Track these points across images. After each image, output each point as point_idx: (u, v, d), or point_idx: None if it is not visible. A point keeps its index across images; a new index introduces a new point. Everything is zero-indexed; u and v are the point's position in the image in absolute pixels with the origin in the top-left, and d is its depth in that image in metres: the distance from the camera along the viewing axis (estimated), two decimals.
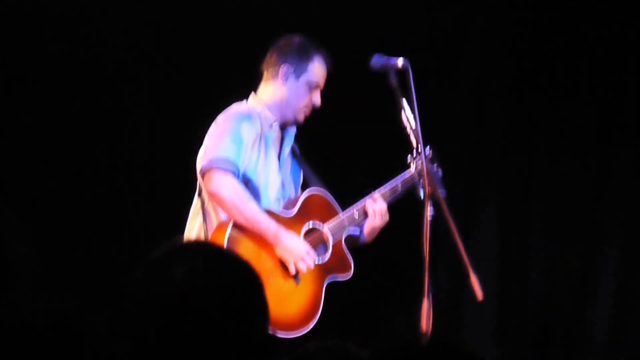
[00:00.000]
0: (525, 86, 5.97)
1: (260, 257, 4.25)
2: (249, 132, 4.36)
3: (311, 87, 4.44)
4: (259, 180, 4.41)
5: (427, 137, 4.17)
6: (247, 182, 4.38)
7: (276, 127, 4.48)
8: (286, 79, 4.45)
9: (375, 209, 4.48)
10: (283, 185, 4.52)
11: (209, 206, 4.38)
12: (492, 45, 5.98)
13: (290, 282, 4.29)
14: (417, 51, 4.73)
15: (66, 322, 1.66)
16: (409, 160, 4.49)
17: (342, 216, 4.50)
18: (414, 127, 4.15)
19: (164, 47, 5.76)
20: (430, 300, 3.92)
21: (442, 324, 4.44)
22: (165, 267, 1.95)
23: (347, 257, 4.48)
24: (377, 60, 4.22)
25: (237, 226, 4.26)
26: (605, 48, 5.91)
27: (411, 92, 4.10)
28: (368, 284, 5.79)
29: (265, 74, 4.50)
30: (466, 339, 5.84)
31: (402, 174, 4.52)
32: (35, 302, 1.54)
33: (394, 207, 4.54)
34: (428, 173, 4.15)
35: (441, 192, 4.07)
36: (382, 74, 4.19)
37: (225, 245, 4.22)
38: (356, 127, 5.81)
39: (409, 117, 4.15)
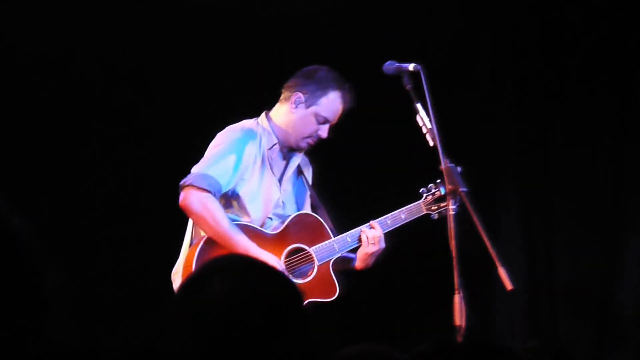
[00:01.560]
0: (539, 81, 6.00)
1: None
2: (245, 150, 4.49)
3: (319, 120, 4.53)
4: (251, 196, 4.51)
5: (444, 137, 4.20)
6: (237, 198, 4.50)
7: (276, 149, 4.58)
8: (296, 105, 4.56)
9: (369, 235, 4.55)
10: (283, 205, 4.61)
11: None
12: (505, 43, 6.01)
13: None
14: (431, 54, 4.80)
15: (99, 351, 1.68)
16: (421, 192, 4.66)
17: (333, 240, 4.58)
18: (429, 127, 4.21)
19: (189, 58, 5.81)
20: (462, 295, 3.97)
21: (474, 317, 4.45)
22: (203, 284, 1.94)
23: (333, 281, 4.52)
24: (389, 65, 4.30)
25: (210, 241, 4.39)
26: (620, 43, 5.92)
27: (425, 94, 4.16)
28: (400, 284, 5.86)
29: (282, 96, 4.62)
30: (497, 330, 5.87)
31: (410, 205, 4.64)
32: (69, 332, 1.55)
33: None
34: (447, 170, 4.17)
35: (462, 189, 4.11)
36: (395, 80, 4.25)
37: (194, 258, 4.35)
38: (378, 150, 5.88)
39: (424, 119, 4.21)
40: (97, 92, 5.72)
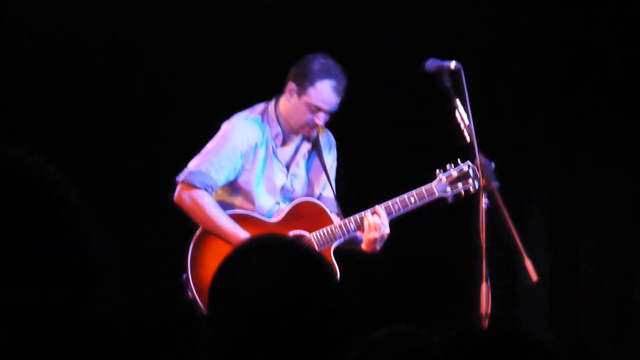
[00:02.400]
0: (572, 82, 6.01)
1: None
2: (244, 141, 4.57)
3: (311, 110, 4.55)
4: (253, 185, 4.61)
5: (479, 134, 4.28)
6: (240, 187, 4.60)
7: (280, 137, 4.64)
8: (291, 95, 4.60)
9: (370, 222, 4.53)
10: (294, 190, 4.68)
11: None
12: (538, 43, 6.02)
13: None
14: (465, 53, 4.85)
15: (144, 319, 1.73)
16: (437, 173, 4.61)
17: (334, 226, 4.61)
18: (467, 123, 4.29)
19: (202, 44, 5.78)
20: (489, 284, 4.06)
21: (499, 307, 4.52)
22: (240, 264, 1.92)
23: (333, 267, 4.51)
24: (431, 63, 4.36)
25: (200, 239, 4.54)
26: None
27: (464, 91, 4.25)
28: (430, 272, 5.94)
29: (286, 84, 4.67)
30: (521, 320, 5.91)
31: (421, 187, 4.59)
32: (117, 301, 1.64)
33: (455, 202, 4.63)
34: (481, 165, 4.25)
35: (495, 184, 4.20)
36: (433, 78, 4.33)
37: (191, 247, 4.50)
38: (400, 136, 5.88)
39: (462, 115, 4.29)
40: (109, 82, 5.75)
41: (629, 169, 6.02)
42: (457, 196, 4.62)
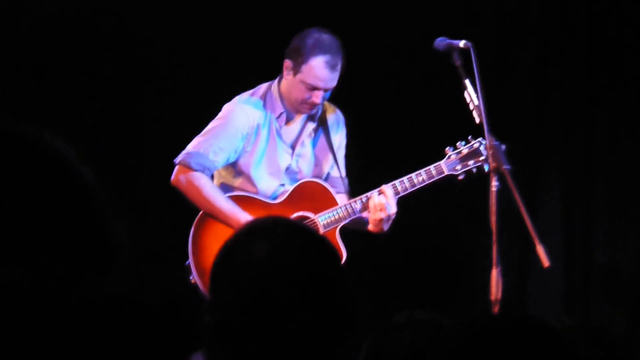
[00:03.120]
0: (587, 63, 5.97)
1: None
2: (244, 122, 4.51)
3: (307, 87, 4.47)
4: (255, 166, 4.56)
5: (490, 115, 4.21)
6: (242, 170, 4.55)
7: (284, 117, 4.57)
8: (287, 73, 4.53)
9: (375, 202, 4.47)
10: (300, 170, 4.62)
11: None
12: (553, 24, 5.98)
13: None
14: (478, 33, 4.80)
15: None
16: (446, 151, 4.55)
17: (339, 207, 4.55)
18: (477, 103, 4.22)
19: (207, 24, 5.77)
20: (499, 270, 4.00)
21: (511, 293, 4.48)
22: (243, 247, 1.91)
23: (339, 248, 4.48)
24: (441, 41, 4.31)
25: (200, 222, 4.50)
26: None
27: (474, 71, 4.17)
28: (439, 256, 5.90)
29: None
30: (533, 306, 5.88)
31: (431, 165, 4.53)
32: (126, 284, 1.56)
33: (462, 183, 4.60)
34: (492, 147, 4.18)
35: (506, 167, 4.12)
36: (445, 57, 4.27)
37: (192, 231, 4.46)
38: (412, 117, 5.84)
39: (472, 95, 4.23)
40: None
41: None
42: (468, 173, 4.55)
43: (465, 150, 4.56)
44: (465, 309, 5.44)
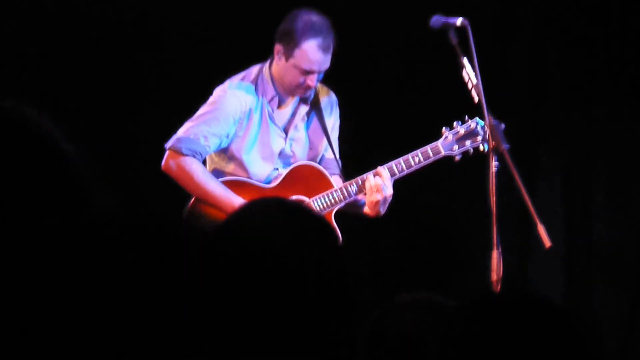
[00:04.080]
0: (587, 39, 5.93)
1: None
2: (236, 107, 4.46)
3: (300, 71, 4.42)
4: (247, 151, 4.51)
5: (488, 95, 4.17)
6: (234, 155, 4.50)
7: (276, 101, 4.53)
8: (279, 58, 4.46)
9: (371, 184, 4.43)
10: (294, 154, 4.59)
11: None
12: (552, 4, 5.94)
13: None
14: (475, 12, 4.73)
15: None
16: (443, 131, 4.51)
17: (334, 190, 4.52)
18: (475, 82, 4.18)
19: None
20: (500, 251, 3.98)
21: (512, 274, 4.45)
22: (238, 229, 1.87)
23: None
24: (436, 20, 4.25)
25: (194, 208, 4.47)
26: None
27: (471, 49, 4.14)
28: (439, 237, 5.87)
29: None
30: (535, 287, 5.83)
31: (426, 146, 4.49)
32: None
33: (460, 163, 4.56)
34: (491, 126, 4.15)
35: (505, 146, 4.09)
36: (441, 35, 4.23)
37: (185, 217, 4.42)
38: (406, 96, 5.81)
39: (469, 74, 4.19)
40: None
41: None
42: (465, 154, 4.52)
43: (462, 131, 4.52)
44: (466, 290, 5.41)
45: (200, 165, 4.45)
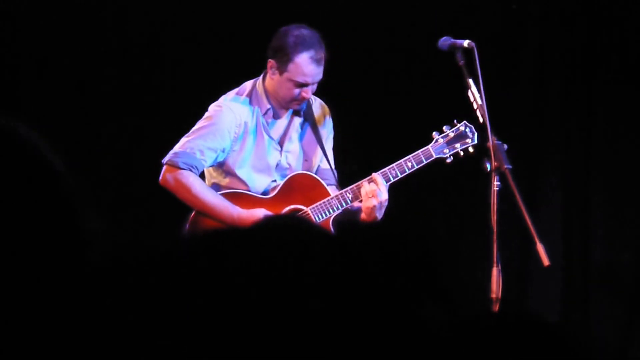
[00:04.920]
0: (587, 63, 5.96)
1: None
2: (231, 121, 4.51)
3: (295, 84, 4.47)
4: (244, 165, 4.55)
5: (492, 114, 4.22)
6: (231, 169, 4.54)
7: (270, 114, 4.57)
8: (272, 73, 4.51)
9: (367, 189, 4.47)
10: (290, 166, 4.62)
11: None
12: (553, 26, 5.97)
13: None
14: (479, 34, 4.77)
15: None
16: (433, 135, 4.56)
17: (331, 198, 4.55)
18: (480, 103, 4.23)
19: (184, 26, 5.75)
20: (499, 268, 4.03)
21: (511, 291, 4.48)
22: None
23: None
24: (444, 41, 4.32)
25: (195, 221, 4.49)
26: None
27: (477, 70, 4.19)
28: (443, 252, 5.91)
29: None
30: (533, 305, 5.88)
31: (418, 150, 4.53)
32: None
33: (463, 183, 4.58)
34: (494, 147, 4.18)
35: (507, 166, 4.13)
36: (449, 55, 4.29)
37: (186, 228, 4.46)
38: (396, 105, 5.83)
39: (475, 95, 4.24)
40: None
41: None
42: (455, 156, 4.57)
43: (451, 134, 4.58)
44: (465, 308, 5.43)
45: (197, 178, 4.49)
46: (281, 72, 4.48)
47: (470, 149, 4.56)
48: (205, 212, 4.48)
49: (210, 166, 4.57)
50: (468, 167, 4.63)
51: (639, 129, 5.96)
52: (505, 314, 1.97)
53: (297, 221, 1.75)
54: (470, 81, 4.27)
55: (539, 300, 5.92)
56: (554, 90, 6.00)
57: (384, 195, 4.48)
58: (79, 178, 1.50)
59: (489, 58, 4.42)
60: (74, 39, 5.62)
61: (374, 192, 4.46)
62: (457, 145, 4.57)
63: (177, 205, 4.53)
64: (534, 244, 4.07)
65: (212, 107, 4.57)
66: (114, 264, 1.45)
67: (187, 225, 4.52)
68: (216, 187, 4.59)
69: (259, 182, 4.59)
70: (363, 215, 4.51)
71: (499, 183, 4.14)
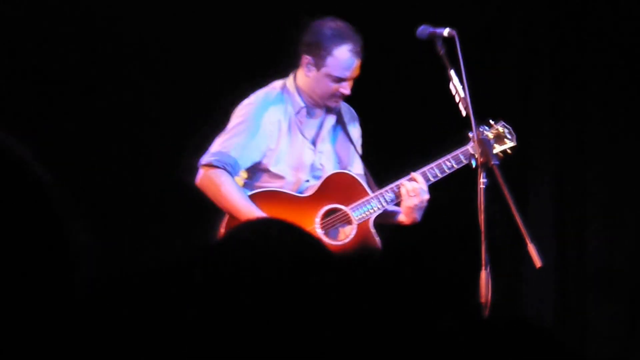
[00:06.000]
0: (577, 50, 5.87)
1: None
2: (266, 119, 4.40)
3: (334, 80, 4.36)
4: (279, 165, 4.43)
5: (477, 106, 4.10)
6: (266, 168, 4.42)
7: (304, 113, 4.45)
8: (308, 69, 4.40)
9: (408, 188, 4.38)
10: (323, 167, 4.51)
11: None
12: (540, 8, 5.87)
13: None
14: (463, 21, 4.65)
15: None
16: (470, 135, 4.44)
17: (371, 197, 4.45)
18: (462, 95, 4.11)
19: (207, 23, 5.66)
20: (489, 271, 3.90)
21: (501, 294, 4.37)
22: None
23: (374, 239, 4.41)
24: (423, 30, 4.19)
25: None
26: None
27: (459, 60, 4.06)
28: (426, 254, 5.76)
29: (299, 57, 4.48)
30: (526, 307, 5.80)
31: (457, 150, 4.44)
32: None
33: (448, 178, 4.49)
34: (479, 141, 4.09)
35: (494, 161, 4.02)
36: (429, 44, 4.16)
37: (223, 228, 4.33)
38: (417, 103, 5.70)
39: (457, 87, 4.11)
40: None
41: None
42: (495, 156, 4.40)
43: (490, 134, 4.51)
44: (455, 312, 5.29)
45: (229, 178, 4.34)
46: (319, 68, 4.35)
47: (509, 151, 4.50)
48: (229, 212, 4.34)
49: (248, 166, 4.43)
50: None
51: (634, 120, 5.86)
52: (496, 319, 1.96)
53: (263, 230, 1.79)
54: (452, 72, 4.14)
55: (533, 302, 5.84)
56: (542, 79, 5.91)
57: (427, 195, 4.41)
58: (68, 188, 1.55)
59: (471, 46, 4.23)
60: (85, 37, 5.55)
61: (416, 191, 4.37)
62: (496, 146, 4.49)
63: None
64: (526, 244, 3.95)
65: (244, 105, 4.45)
66: (103, 278, 1.50)
67: (222, 229, 4.36)
68: (250, 185, 4.46)
69: (294, 180, 4.46)
70: (401, 217, 4.44)
71: (485, 180, 4.02)
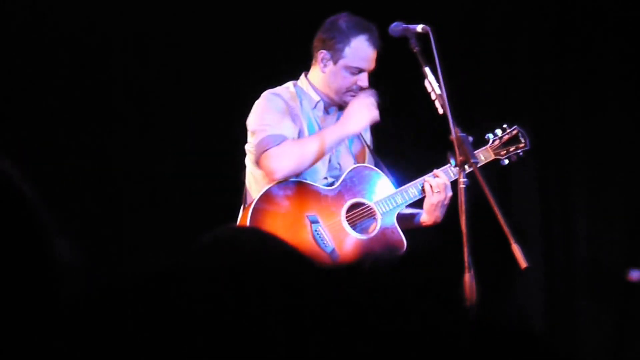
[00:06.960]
0: (556, 40, 5.85)
1: (291, 230, 4.16)
2: (286, 107, 4.35)
3: (352, 72, 4.35)
4: None
5: (456, 103, 3.98)
6: None
7: (321, 106, 4.42)
8: (325, 65, 4.39)
9: (432, 184, 4.38)
10: (340, 167, 4.46)
11: (247, 191, 4.44)
12: (518, 5, 5.86)
13: (324, 255, 4.17)
14: (442, 16, 4.69)
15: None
16: (487, 137, 4.55)
17: (396, 192, 4.41)
18: (438, 93, 3.99)
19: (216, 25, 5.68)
20: (472, 274, 3.79)
21: (488, 297, 4.28)
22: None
23: (399, 234, 4.37)
24: (396, 27, 4.10)
25: (261, 201, 4.23)
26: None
27: (434, 57, 3.94)
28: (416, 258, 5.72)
29: (313, 57, 4.47)
30: (514, 309, 5.76)
31: (476, 151, 4.44)
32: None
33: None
34: (458, 139, 3.95)
35: (473, 160, 3.90)
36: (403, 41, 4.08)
37: (248, 220, 4.19)
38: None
39: (433, 84, 4.00)
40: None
41: (628, 143, 5.87)
42: (510, 159, 4.59)
43: (506, 137, 4.59)
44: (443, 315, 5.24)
45: (291, 140, 4.28)
46: (335, 61, 4.36)
47: (521, 154, 4.60)
48: (324, 151, 4.28)
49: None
50: (436, 164, 4.49)
51: (620, 111, 5.84)
52: (481, 323, 1.86)
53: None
54: (427, 69, 4.04)
55: (521, 304, 5.81)
56: (522, 73, 5.85)
57: (450, 191, 4.39)
58: (52, 203, 1.53)
59: (447, 42, 4.13)
60: (95, 38, 5.55)
61: (440, 186, 4.37)
62: (512, 148, 4.57)
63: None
64: (509, 244, 3.83)
65: (260, 101, 4.38)
66: (86, 296, 1.47)
67: (249, 223, 4.20)
68: (272, 187, 4.34)
69: (315, 176, 4.39)
70: (423, 217, 4.43)
71: (466, 179, 3.91)
